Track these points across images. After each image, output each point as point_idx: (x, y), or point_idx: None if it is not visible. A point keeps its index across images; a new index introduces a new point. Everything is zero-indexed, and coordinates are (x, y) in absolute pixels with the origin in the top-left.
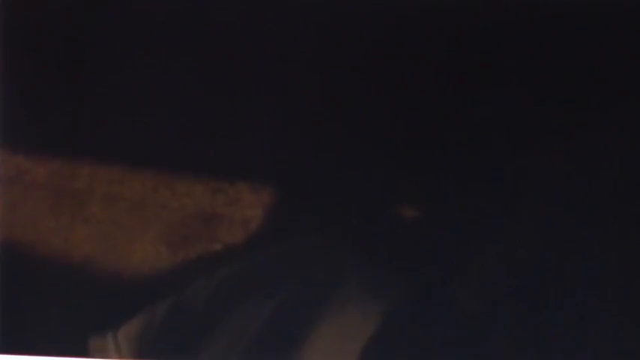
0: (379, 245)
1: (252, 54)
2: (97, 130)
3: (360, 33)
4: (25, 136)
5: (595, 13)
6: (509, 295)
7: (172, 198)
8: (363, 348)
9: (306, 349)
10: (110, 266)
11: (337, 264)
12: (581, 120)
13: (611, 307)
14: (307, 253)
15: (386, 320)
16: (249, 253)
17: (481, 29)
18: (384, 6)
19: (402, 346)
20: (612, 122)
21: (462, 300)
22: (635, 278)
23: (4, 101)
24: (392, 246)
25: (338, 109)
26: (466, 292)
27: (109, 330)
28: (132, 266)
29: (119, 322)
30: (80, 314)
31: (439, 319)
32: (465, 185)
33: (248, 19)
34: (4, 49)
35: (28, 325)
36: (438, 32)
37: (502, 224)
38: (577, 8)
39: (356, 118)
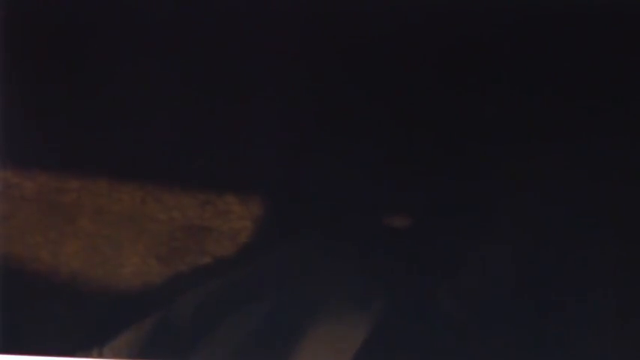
0: (370, 255)
1: (241, 67)
2: (86, 144)
3: (358, 33)
4: (13, 150)
5: (595, 13)
6: (507, 297)
7: (161, 211)
8: (354, 357)
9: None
10: (99, 279)
11: (327, 274)
12: (582, 119)
13: (611, 307)
14: (296, 264)
15: (377, 329)
16: (239, 265)
17: (480, 28)
18: (382, 5)
19: (394, 350)
20: (613, 122)
21: (453, 306)
22: (635, 278)
23: None
24: (384, 254)
25: (326, 122)
26: (460, 298)
27: (95, 343)
28: (121, 279)
29: (107, 335)
30: (68, 328)
31: (433, 323)
32: (462, 187)
33: (238, 28)
34: None
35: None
36: (437, 31)
37: (500, 226)
38: (577, 8)
39: (344, 132)
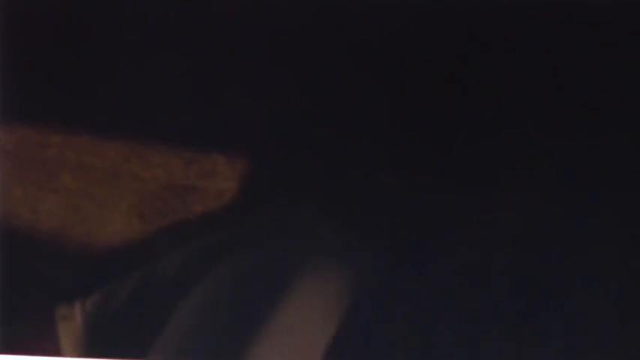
0: (357, 217)
1: (231, 28)
2: (69, 98)
3: (355, 26)
4: None
5: (595, 12)
6: (505, 290)
7: (145, 169)
8: (339, 322)
9: (279, 322)
10: (80, 238)
11: (312, 237)
12: (583, 118)
13: (611, 307)
14: (283, 226)
15: (362, 295)
16: (223, 226)
17: (478, 26)
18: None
19: (379, 321)
20: (613, 122)
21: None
22: (635, 278)
23: None
24: (371, 217)
25: (318, 82)
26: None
27: (77, 299)
28: (103, 238)
29: (88, 293)
30: (49, 285)
31: (417, 302)
32: (462, 183)
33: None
34: None
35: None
36: (436, 30)
37: (500, 222)
38: (578, 8)
39: (336, 93)
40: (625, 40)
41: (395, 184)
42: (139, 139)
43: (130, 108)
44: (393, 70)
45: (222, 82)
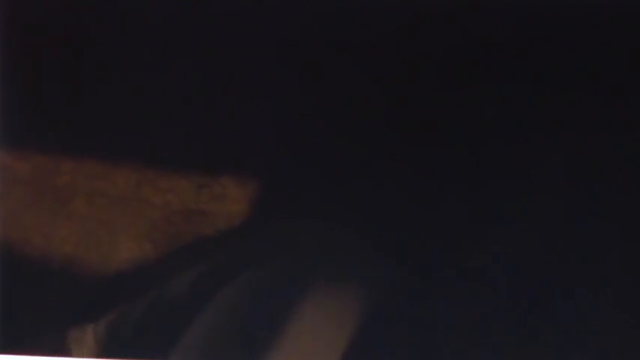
0: (371, 240)
1: (239, 48)
2: (81, 125)
3: (357, 26)
4: (7, 131)
5: (595, 12)
6: (508, 291)
7: (156, 194)
8: (352, 339)
9: (292, 343)
10: (93, 264)
11: (323, 257)
12: (583, 119)
13: (610, 307)
14: (293, 249)
15: (376, 319)
16: (235, 250)
17: (477, 26)
18: (380, 2)
19: (394, 336)
20: (613, 121)
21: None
22: (635, 278)
23: None
24: (383, 235)
25: (327, 102)
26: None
27: (89, 323)
28: (115, 264)
29: (101, 317)
30: (62, 310)
31: (436, 312)
32: (466, 184)
33: (239, 14)
34: None
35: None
36: (436, 29)
37: (503, 223)
38: (577, 8)
39: (346, 112)
40: (626, 39)
41: (402, 199)
42: (149, 164)
43: (140, 134)
44: (393, 87)
45: (232, 106)
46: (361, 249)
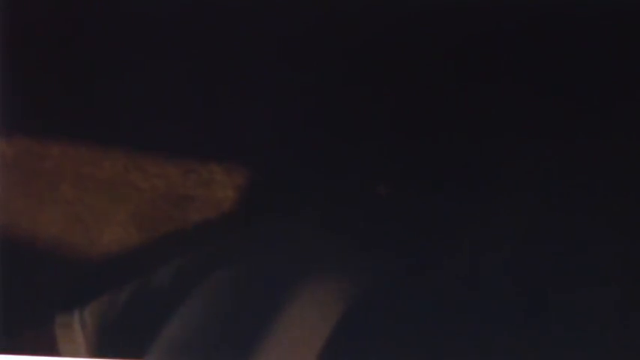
0: (356, 225)
1: (230, 35)
2: (68, 109)
3: (357, 26)
4: None
5: (595, 12)
6: (504, 290)
7: (143, 179)
8: (336, 332)
9: (278, 332)
10: (80, 247)
11: (310, 246)
12: (583, 117)
13: (610, 307)
14: (280, 236)
15: (361, 305)
16: (221, 235)
17: (477, 25)
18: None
19: (377, 329)
20: (613, 121)
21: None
22: (635, 278)
23: None
24: (370, 230)
25: (315, 91)
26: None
27: (76, 308)
28: (101, 248)
29: (87, 301)
30: (48, 293)
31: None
32: (461, 180)
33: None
34: None
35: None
36: (436, 29)
37: (503, 222)
38: (578, 8)
39: (334, 101)
40: (626, 40)
41: (392, 192)
42: (137, 149)
43: (127, 118)
44: (390, 82)
45: (220, 91)
46: (350, 239)
